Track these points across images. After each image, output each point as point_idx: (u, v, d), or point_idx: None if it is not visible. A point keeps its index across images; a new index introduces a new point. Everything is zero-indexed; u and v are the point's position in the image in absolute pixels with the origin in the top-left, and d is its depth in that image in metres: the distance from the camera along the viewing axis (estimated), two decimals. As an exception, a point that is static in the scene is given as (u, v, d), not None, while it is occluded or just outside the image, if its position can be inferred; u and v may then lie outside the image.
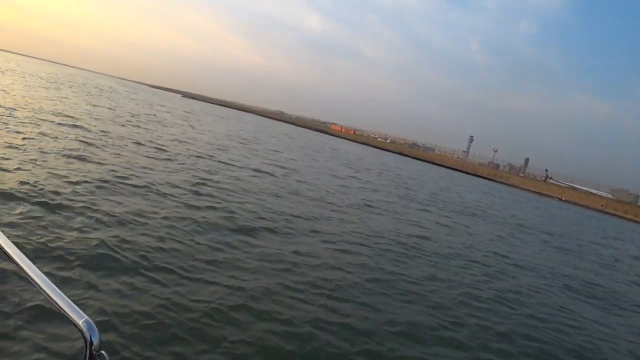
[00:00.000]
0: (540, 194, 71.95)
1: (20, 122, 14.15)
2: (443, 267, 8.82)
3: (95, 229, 6.35)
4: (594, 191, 74.09)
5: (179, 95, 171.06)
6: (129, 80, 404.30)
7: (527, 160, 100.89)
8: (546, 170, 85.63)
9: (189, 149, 17.65)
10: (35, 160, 9.56)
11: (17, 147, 10.33)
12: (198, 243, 6.78)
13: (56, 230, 5.95)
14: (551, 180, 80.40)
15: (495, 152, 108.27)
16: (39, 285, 1.22)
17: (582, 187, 76.64)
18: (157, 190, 9.48)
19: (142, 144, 15.81)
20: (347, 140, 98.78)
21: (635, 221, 59.44)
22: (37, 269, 1.27)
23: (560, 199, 69.76)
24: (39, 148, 10.83)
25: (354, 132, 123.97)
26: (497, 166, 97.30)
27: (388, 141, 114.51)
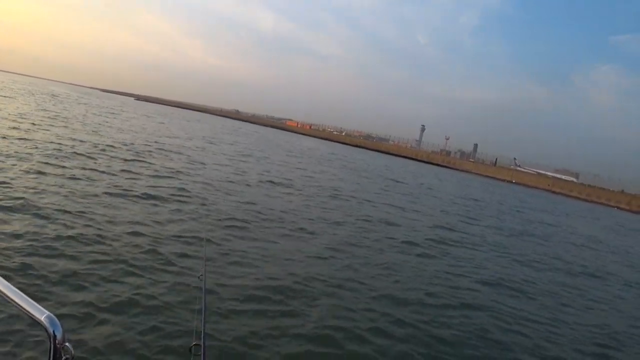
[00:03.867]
0: (491, 177, 73.44)
1: None
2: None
3: None
4: (564, 177, 75.25)
5: (131, 99, 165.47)
6: (80, 85, 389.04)
7: (475, 145, 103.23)
8: (515, 158, 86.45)
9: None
10: None
11: None
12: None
13: None
14: (519, 168, 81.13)
15: (447, 139, 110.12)
16: None
17: (549, 173, 77.65)
18: None
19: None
20: (306, 136, 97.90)
21: (578, 198, 61.44)
22: None
23: (511, 182, 71.38)
24: None
25: (310, 127, 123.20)
26: (449, 153, 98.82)
27: (343, 134, 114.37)
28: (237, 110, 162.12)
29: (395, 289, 6.93)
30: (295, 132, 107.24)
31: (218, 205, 10.53)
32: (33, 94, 53.88)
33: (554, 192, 64.70)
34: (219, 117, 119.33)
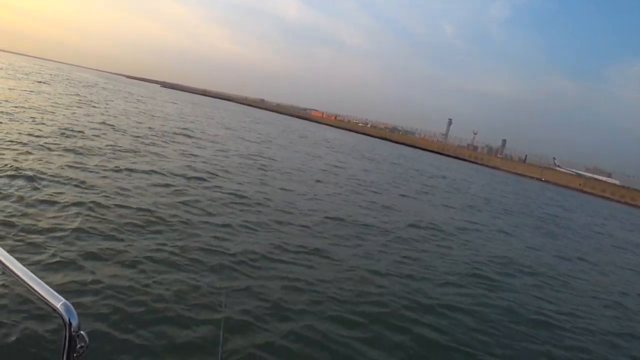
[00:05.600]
0: (520, 174, 72.95)
1: None
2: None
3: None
4: (603, 178, 73.61)
5: (157, 86, 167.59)
6: (104, 72, 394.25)
7: (504, 141, 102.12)
8: (554, 158, 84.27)
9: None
10: None
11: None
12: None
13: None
14: (558, 168, 79.61)
15: (475, 134, 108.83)
16: (14, 273, 1.23)
17: (588, 174, 75.91)
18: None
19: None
20: (334, 128, 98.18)
21: (610, 199, 60.77)
22: (11, 257, 1.26)
23: (540, 179, 70.82)
24: None
25: (335, 118, 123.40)
26: (476, 148, 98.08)
27: (369, 126, 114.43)
28: (263, 100, 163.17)
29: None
30: (321, 123, 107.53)
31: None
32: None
33: (584, 192, 64.15)
34: (256, 109, 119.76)
